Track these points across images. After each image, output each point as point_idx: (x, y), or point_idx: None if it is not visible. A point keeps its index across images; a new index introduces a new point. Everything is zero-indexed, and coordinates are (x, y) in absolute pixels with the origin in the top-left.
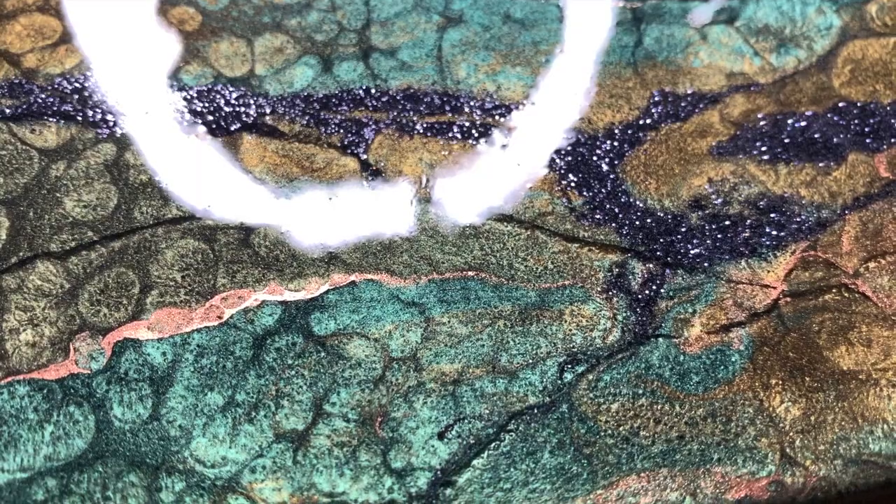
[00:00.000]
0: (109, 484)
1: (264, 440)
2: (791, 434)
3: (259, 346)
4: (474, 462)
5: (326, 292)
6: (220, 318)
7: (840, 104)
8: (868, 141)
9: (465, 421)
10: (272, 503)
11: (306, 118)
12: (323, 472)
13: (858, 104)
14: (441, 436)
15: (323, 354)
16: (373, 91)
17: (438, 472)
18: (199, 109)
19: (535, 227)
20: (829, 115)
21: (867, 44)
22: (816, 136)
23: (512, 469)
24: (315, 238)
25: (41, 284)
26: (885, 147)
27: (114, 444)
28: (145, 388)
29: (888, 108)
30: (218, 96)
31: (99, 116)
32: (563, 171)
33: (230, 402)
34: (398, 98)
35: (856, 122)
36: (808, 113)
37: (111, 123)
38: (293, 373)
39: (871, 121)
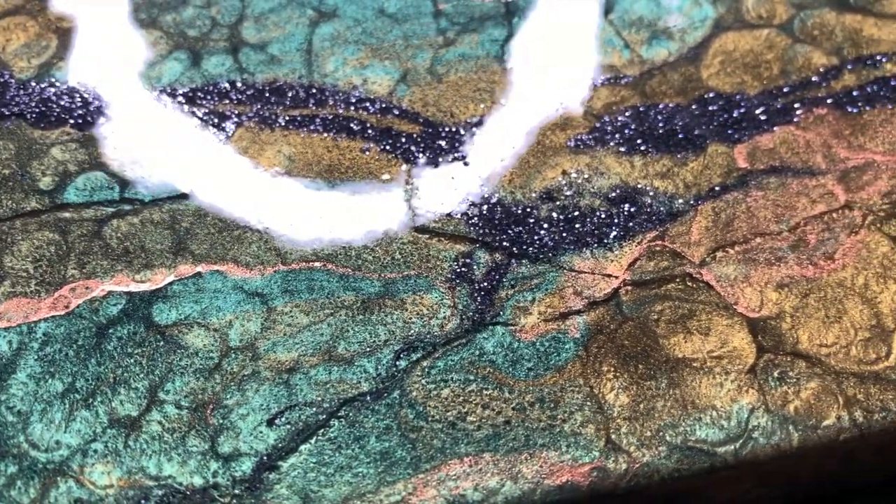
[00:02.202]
0: None
1: (98, 426)
2: (618, 420)
3: (101, 335)
4: (301, 447)
5: (171, 283)
6: (67, 307)
7: (706, 95)
8: (730, 132)
9: (296, 408)
10: (100, 486)
11: (171, 112)
12: (152, 457)
13: (724, 95)
14: (270, 422)
15: (162, 343)
16: (238, 84)
17: (264, 458)
18: (67, 105)
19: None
20: (693, 107)
21: (740, 36)
22: (678, 127)
23: (337, 454)
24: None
25: None
26: (746, 138)
27: None
28: None
29: (754, 100)
30: (86, 92)
31: None
32: (420, 163)
33: (70, 388)
34: (264, 91)
35: (720, 113)
36: (672, 105)
37: None
38: (132, 361)
39: (736, 112)
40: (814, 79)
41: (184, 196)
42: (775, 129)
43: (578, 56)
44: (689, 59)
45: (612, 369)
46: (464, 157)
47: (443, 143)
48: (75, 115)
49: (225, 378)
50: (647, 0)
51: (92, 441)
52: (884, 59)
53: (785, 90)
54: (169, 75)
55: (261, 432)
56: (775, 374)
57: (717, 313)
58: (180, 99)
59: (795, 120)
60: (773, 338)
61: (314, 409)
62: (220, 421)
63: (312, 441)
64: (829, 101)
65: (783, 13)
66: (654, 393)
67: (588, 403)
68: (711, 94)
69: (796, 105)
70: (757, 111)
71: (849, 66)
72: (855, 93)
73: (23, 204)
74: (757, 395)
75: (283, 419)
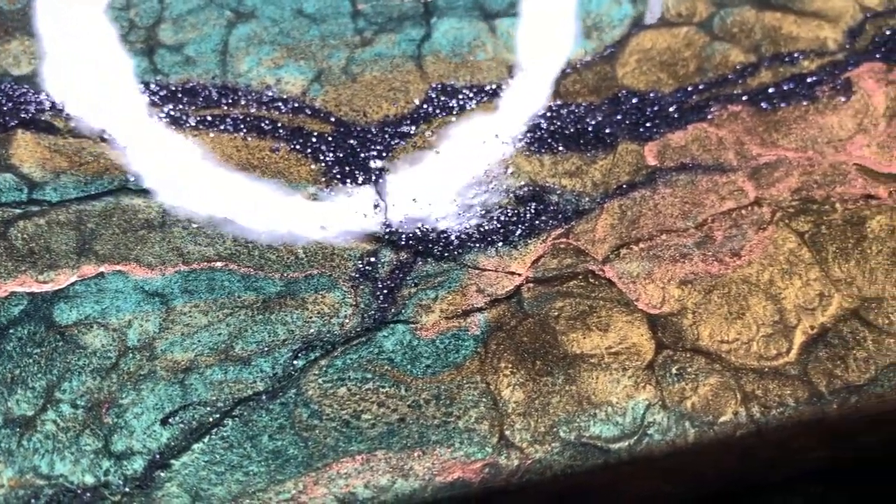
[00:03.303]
0: None
1: None
2: (513, 417)
3: (1, 336)
4: (193, 446)
5: (73, 283)
6: None
7: (620, 94)
8: (642, 130)
9: (190, 407)
10: None
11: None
12: (45, 456)
13: (638, 94)
14: (164, 421)
15: (61, 343)
16: (152, 85)
17: (156, 456)
18: None
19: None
20: (606, 106)
21: (658, 34)
22: (590, 126)
23: (229, 453)
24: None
25: None
26: (657, 136)
27: None
28: None
29: (668, 98)
30: (0, 94)
31: None
32: (329, 163)
33: None
34: (176, 92)
35: (633, 111)
36: (585, 103)
37: None
38: (31, 360)
39: (649, 110)
40: (730, 76)
41: (91, 197)
42: (688, 126)
43: (497, 55)
44: (606, 58)
45: (510, 366)
46: (374, 157)
47: (354, 142)
48: None
49: (121, 377)
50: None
51: None
52: (801, 57)
53: (700, 88)
54: None
55: (154, 431)
56: (673, 371)
57: (617, 310)
58: (92, 101)
59: (709, 117)
60: (673, 334)
61: (208, 408)
62: (115, 420)
63: (205, 440)
64: (744, 98)
65: (703, 11)
66: (550, 389)
67: (484, 400)
68: (625, 93)
69: (711, 102)
70: (670, 109)
71: (766, 64)
72: (770, 90)
73: None
74: (654, 391)
75: (176, 418)
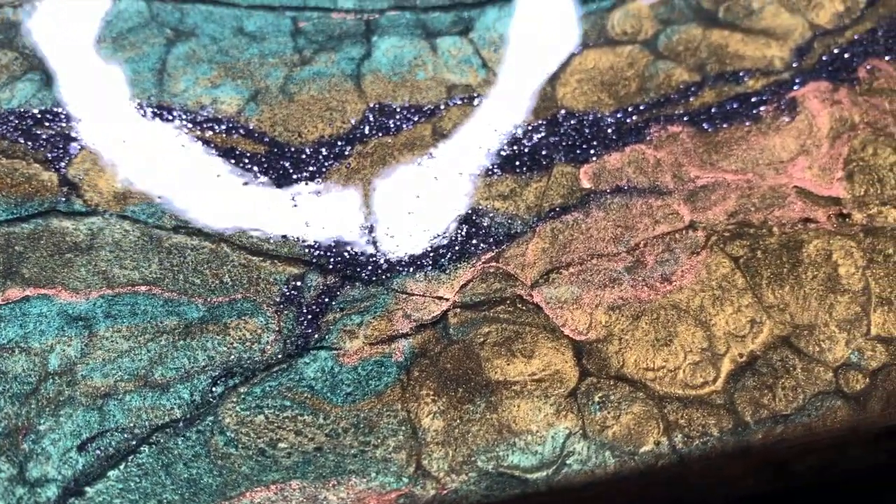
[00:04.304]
0: None
1: None
2: (431, 446)
3: None
4: (109, 473)
5: None
6: None
7: (558, 114)
8: (578, 152)
9: (108, 434)
10: None
11: (17, 133)
12: None
13: (577, 114)
14: (81, 448)
15: None
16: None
17: (71, 483)
18: None
19: (221, 241)
20: (543, 126)
21: (601, 53)
22: (526, 147)
23: (143, 480)
24: None
25: None
26: (593, 158)
27: None
28: None
29: (608, 119)
30: None
31: None
32: (257, 184)
33: None
34: (113, 111)
35: (570, 132)
36: (524, 125)
37: None
38: None
39: (587, 131)
40: (672, 96)
41: (21, 219)
42: (626, 148)
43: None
44: (549, 79)
45: (432, 393)
46: (307, 178)
47: (287, 163)
48: None
49: (40, 403)
50: (509, 19)
51: None
52: (746, 76)
53: (641, 108)
54: (20, 96)
55: (70, 458)
56: (596, 399)
57: (543, 335)
58: (29, 121)
59: (648, 138)
60: (598, 361)
61: (125, 434)
62: (32, 446)
63: (121, 467)
64: (685, 118)
65: (649, 29)
66: (471, 417)
67: (403, 429)
68: (563, 113)
69: (651, 123)
70: (609, 130)
71: (710, 83)
72: (713, 110)
73: None
74: (575, 419)
75: (93, 445)
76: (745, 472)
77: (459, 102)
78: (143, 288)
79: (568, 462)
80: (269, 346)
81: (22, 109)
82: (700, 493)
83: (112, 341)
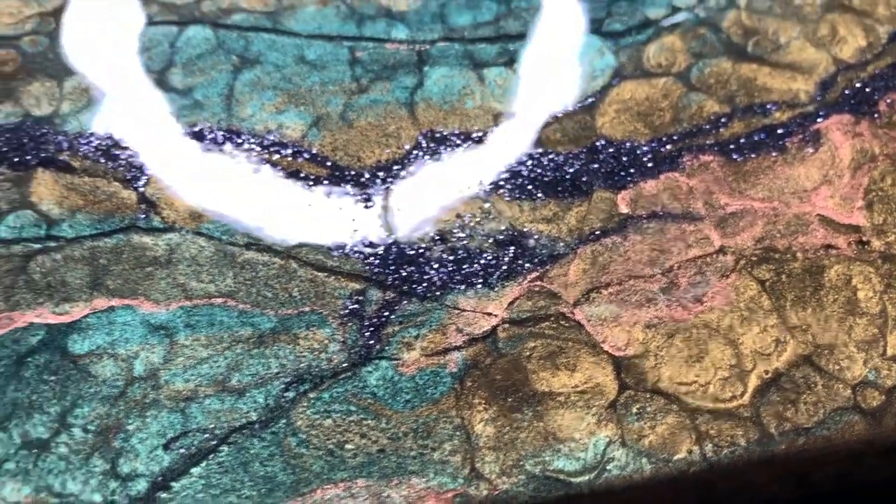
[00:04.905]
0: None
1: (12, 446)
2: (483, 450)
3: (20, 364)
4: (192, 470)
5: (86, 316)
6: None
7: (598, 143)
8: (616, 178)
9: (190, 434)
10: (10, 501)
11: (98, 154)
12: (58, 476)
13: (615, 143)
14: (166, 447)
15: (74, 372)
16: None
17: (158, 478)
18: (2, 146)
19: (289, 258)
20: (584, 154)
21: (637, 84)
22: (568, 174)
23: (224, 477)
24: None
25: None
26: (630, 184)
27: None
28: None
29: (644, 147)
30: (22, 134)
31: None
32: (322, 206)
33: None
34: (185, 134)
35: (609, 160)
36: (565, 152)
37: None
38: (46, 387)
39: (625, 159)
40: (704, 126)
41: (104, 234)
42: (661, 175)
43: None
44: (586, 108)
45: (483, 402)
46: (367, 200)
47: (348, 186)
48: (10, 155)
49: (128, 405)
50: (553, 50)
51: (5, 461)
52: (773, 108)
53: (675, 138)
54: (97, 118)
55: (157, 455)
56: (634, 410)
57: (585, 351)
58: (108, 141)
59: (681, 167)
60: (636, 375)
61: (206, 435)
62: (122, 444)
63: (203, 465)
64: (716, 148)
65: (682, 62)
66: (519, 425)
67: (458, 434)
68: (602, 142)
69: (684, 152)
70: (645, 158)
71: (739, 115)
72: (742, 140)
73: None
74: (615, 428)
75: (177, 444)
76: (769, 480)
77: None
78: (219, 300)
79: (608, 468)
80: (335, 356)
81: (102, 131)
82: (727, 498)
83: (192, 349)
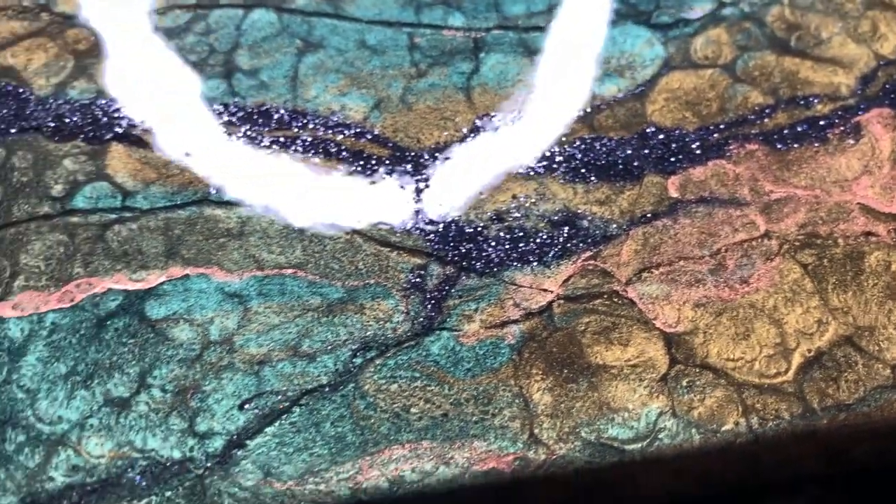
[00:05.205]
0: None
1: (95, 404)
2: (541, 417)
3: (101, 327)
4: (266, 429)
5: (162, 283)
6: (72, 301)
7: (648, 130)
8: (666, 164)
9: (264, 396)
10: (94, 455)
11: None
12: (139, 433)
13: (664, 130)
14: (241, 407)
15: (152, 335)
16: (230, 106)
17: (234, 437)
18: (79, 121)
19: (354, 233)
20: (635, 140)
21: (685, 75)
22: (620, 158)
23: (296, 436)
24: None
25: None
26: (680, 170)
27: None
28: (3, 357)
29: (692, 135)
30: (96, 109)
31: None
32: (384, 185)
33: (72, 371)
34: (252, 113)
35: (659, 146)
36: (616, 137)
37: (4, 131)
38: (125, 349)
39: (674, 145)
40: (749, 116)
41: (177, 206)
42: (708, 162)
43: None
44: (637, 96)
45: (540, 372)
46: (426, 180)
47: (408, 166)
48: (86, 130)
49: (204, 367)
50: (605, 39)
51: (89, 417)
52: (815, 100)
53: (721, 126)
54: None
55: (232, 415)
56: (684, 383)
57: (637, 327)
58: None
59: (728, 154)
60: (686, 351)
61: (279, 397)
62: (199, 404)
63: (276, 425)
64: (760, 137)
65: (728, 54)
66: (575, 395)
67: (516, 401)
68: (653, 129)
69: (730, 141)
70: (693, 145)
71: (782, 106)
72: (785, 131)
73: (37, 209)
74: (666, 400)
75: (252, 405)
76: (810, 454)
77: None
78: (290, 271)
79: (659, 437)
80: (399, 326)
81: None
82: (771, 470)
83: (265, 316)
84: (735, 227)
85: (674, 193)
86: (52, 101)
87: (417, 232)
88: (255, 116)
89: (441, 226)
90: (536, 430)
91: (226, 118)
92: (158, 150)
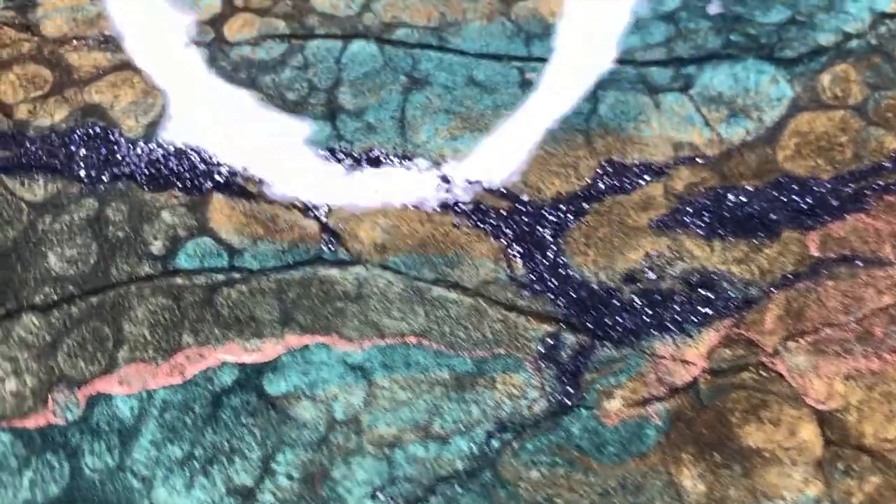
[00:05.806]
0: None
1: (217, 494)
2: None
3: (216, 404)
4: None
5: (280, 354)
6: (182, 374)
7: (781, 179)
8: (804, 218)
9: (396, 483)
10: None
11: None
12: None
13: (798, 180)
14: (373, 496)
15: (273, 414)
16: (337, 153)
17: None
18: (174, 167)
19: (478, 295)
20: (769, 190)
21: (815, 116)
22: (755, 211)
23: None
24: None
25: (25, 336)
26: (818, 225)
27: (84, 492)
28: (114, 439)
29: (827, 185)
30: (193, 154)
31: (83, 172)
32: (509, 240)
33: (189, 455)
34: (360, 160)
35: (794, 198)
36: (749, 187)
37: (94, 178)
38: (245, 431)
39: (810, 198)
40: (886, 164)
41: (290, 266)
42: (846, 216)
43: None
44: (766, 140)
45: (691, 457)
46: (549, 234)
47: (528, 219)
48: (183, 177)
49: (331, 450)
50: (726, 76)
51: None
52: None
53: (857, 175)
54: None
55: None
56: (840, 468)
57: (787, 404)
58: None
59: (866, 207)
60: (839, 431)
61: (412, 484)
62: (328, 493)
63: None
64: None
65: (858, 93)
66: (728, 482)
67: (668, 491)
68: (786, 178)
69: (867, 191)
70: (830, 197)
71: None
72: None
73: (137, 269)
74: (823, 487)
75: (384, 493)
76: None
77: (687, 161)
78: (413, 339)
79: None
80: (534, 403)
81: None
82: None
83: (391, 391)
84: (879, 289)
85: (814, 252)
86: (143, 143)
87: (545, 294)
88: (364, 163)
89: (570, 287)
90: None
91: (334, 164)
92: (264, 202)
